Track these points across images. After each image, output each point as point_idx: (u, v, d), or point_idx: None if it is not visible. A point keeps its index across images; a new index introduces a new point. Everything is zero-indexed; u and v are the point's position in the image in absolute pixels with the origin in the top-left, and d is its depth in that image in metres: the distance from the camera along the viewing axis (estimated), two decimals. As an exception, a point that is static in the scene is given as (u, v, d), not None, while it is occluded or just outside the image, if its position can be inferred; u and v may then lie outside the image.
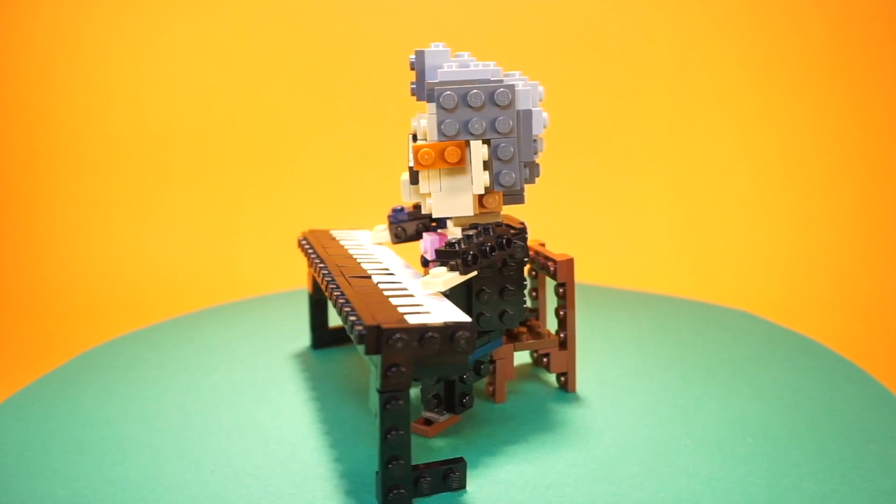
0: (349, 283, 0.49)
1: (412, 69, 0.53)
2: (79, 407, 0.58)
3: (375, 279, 0.50)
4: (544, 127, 0.53)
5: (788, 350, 0.70)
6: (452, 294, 0.54)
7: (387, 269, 0.53)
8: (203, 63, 1.48)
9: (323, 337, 0.69)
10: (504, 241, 0.50)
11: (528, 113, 0.51)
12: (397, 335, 0.40)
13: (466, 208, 0.52)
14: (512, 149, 0.50)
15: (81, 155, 1.47)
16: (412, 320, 0.42)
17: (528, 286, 0.61)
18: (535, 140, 0.52)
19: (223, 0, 1.46)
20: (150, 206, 1.45)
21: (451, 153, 0.50)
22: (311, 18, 1.47)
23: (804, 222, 1.38)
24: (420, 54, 0.52)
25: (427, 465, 0.44)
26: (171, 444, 0.52)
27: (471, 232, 0.50)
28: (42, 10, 1.41)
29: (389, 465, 0.41)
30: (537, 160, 0.54)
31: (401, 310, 0.44)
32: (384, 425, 0.41)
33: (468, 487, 0.45)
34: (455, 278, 0.48)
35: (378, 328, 0.40)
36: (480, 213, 0.53)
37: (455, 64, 0.52)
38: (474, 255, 0.48)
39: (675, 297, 0.91)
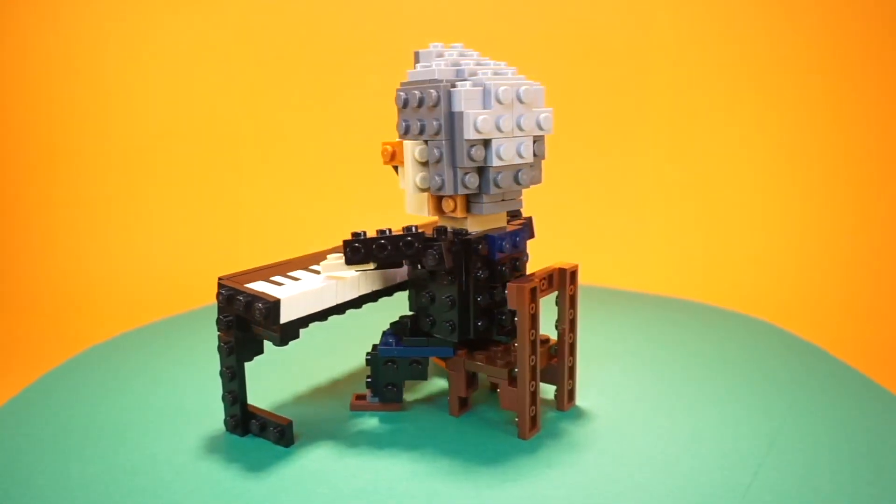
0: (307, 256, 0.57)
1: (414, 70, 0.54)
2: (79, 406, 0.59)
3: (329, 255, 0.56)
4: (537, 128, 0.48)
5: (790, 354, 0.69)
6: (414, 288, 0.54)
7: None
8: (204, 64, 1.44)
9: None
10: (402, 244, 0.48)
11: (460, 115, 0.47)
12: (222, 291, 0.48)
13: (423, 209, 0.52)
14: (437, 151, 0.48)
15: (81, 155, 1.44)
16: (259, 287, 0.49)
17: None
18: (473, 145, 0.47)
19: (224, 1, 1.42)
20: (150, 207, 1.44)
21: (400, 153, 0.51)
22: (314, 17, 1.41)
23: (807, 224, 1.35)
24: (416, 55, 0.53)
25: (264, 412, 0.51)
26: (172, 442, 0.52)
27: (385, 229, 0.50)
28: (42, 10, 1.38)
29: (225, 394, 0.50)
30: (500, 165, 0.48)
31: (276, 279, 0.51)
32: (220, 362, 0.50)
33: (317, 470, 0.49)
34: (339, 266, 0.50)
35: (218, 281, 0.49)
36: (447, 216, 0.52)
37: (433, 63, 0.51)
38: (355, 249, 0.49)
39: (676, 298, 0.91)
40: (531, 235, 0.59)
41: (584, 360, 0.67)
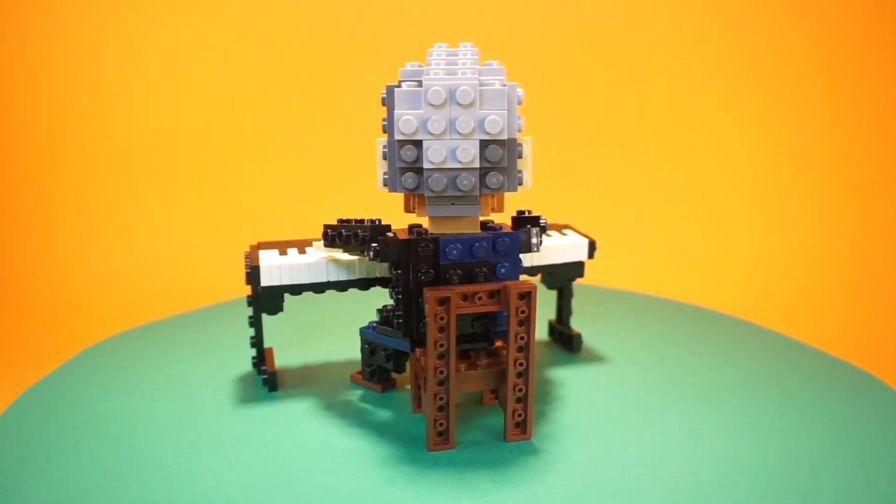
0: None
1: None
2: (81, 408, 0.58)
3: None
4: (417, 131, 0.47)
5: (789, 358, 0.69)
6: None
7: None
8: (203, 63, 1.41)
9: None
10: (353, 235, 0.50)
11: (394, 115, 0.46)
12: (246, 255, 0.58)
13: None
14: (385, 150, 0.49)
15: (81, 155, 1.42)
16: (266, 255, 0.58)
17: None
18: (403, 145, 0.47)
19: (224, 1, 1.39)
20: (150, 207, 1.41)
21: (390, 151, 0.53)
22: (314, 17, 1.39)
23: (807, 224, 1.36)
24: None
25: (271, 359, 0.60)
26: (177, 443, 0.52)
27: (361, 219, 0.53)
28: (42, 10, 1.37)
29: (251, 339, 0.61)
30: (430, 167, 0.47)
31: (289, 251, 0.59)
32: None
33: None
34: (322, 248, 0.54)
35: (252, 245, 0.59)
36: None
37: (407, 64, 0.50)
38: (324, 234, 0.53)
39: (675, 300, 0.89)
40: (527, 248, 0.53)
41: (571, 376, 0.63)
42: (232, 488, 0.46)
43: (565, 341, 0.68)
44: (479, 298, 0.49)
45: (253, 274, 0.56)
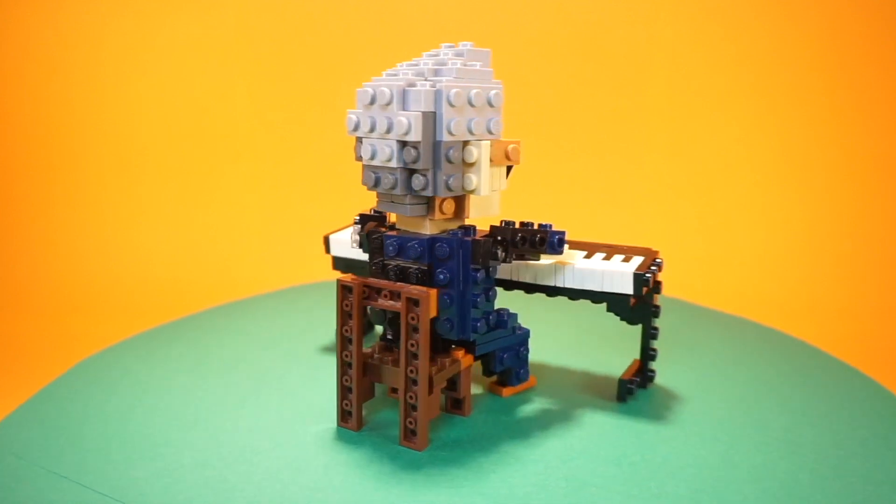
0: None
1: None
2: (86, 412, 0.56)
3: None
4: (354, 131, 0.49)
5: (786, 356, 0.69)
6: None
7: None
8: (203, 63, 1.40)
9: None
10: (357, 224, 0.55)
11: None
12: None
13: None
14: None
15: (81, 155, 1.42)
16: (347, 229, 0.66)
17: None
18: (355, 140, 0.49)
19: (223, 1, 1.38)
20: (152, 208, 1.40)
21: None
22: (312, 17, 1.37)
23: (807, 223, 1.34)
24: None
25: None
26: (182, 445, 0.51)
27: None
28: (42, 10, 1.37)
29: None
30: (365, 164, 0.50)
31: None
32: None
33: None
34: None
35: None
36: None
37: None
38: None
39: (673, 298, 0.88)
40: (477, 259, 0.47)
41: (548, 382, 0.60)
42: (177, 397, 0.57)
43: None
44: (386, 296, 0.49)
45: (326, 242, 0.66)
